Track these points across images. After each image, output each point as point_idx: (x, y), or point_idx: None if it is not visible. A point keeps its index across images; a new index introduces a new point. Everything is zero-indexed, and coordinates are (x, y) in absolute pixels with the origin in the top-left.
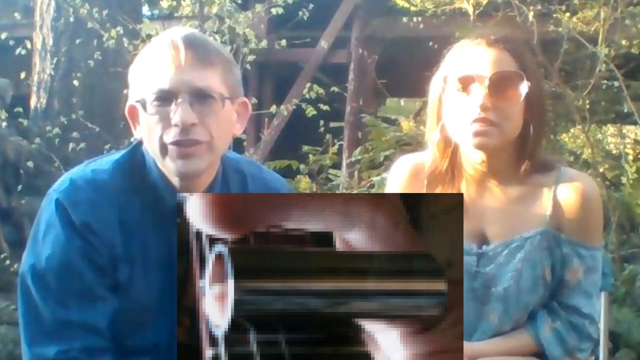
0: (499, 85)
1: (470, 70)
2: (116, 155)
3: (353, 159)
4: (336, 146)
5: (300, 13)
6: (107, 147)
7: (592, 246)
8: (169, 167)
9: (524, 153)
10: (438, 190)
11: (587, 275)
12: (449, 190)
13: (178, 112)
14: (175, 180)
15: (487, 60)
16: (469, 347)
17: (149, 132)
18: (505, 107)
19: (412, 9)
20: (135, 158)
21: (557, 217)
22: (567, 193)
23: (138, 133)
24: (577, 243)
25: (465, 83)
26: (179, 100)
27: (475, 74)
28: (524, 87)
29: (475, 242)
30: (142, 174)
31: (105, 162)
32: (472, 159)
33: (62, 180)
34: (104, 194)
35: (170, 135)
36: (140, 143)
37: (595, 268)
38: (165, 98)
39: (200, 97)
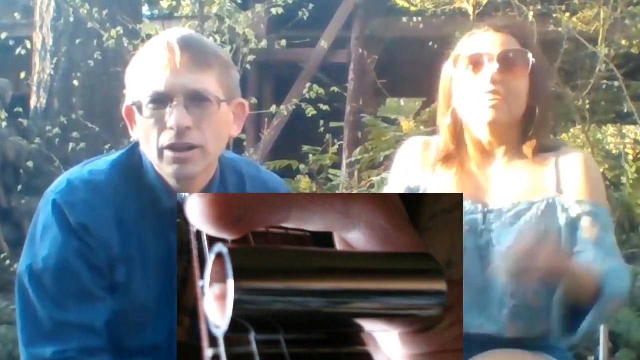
0: (507, 62)
1: (479, 49)
2: (114, 155)
3: (353, 159)
4: (336, 146)
5: (300, 13)
6: (107, 147)
7: (601, 206)
8: (165, 171)
9: (530, 133)
10: (448, 172)
11: (603, 234)
12: (458, 171)
13: (173, 116)
14: (172, 182)
15: (495, 42)
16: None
17: (145, 135)
18: (513, 84)
19: (412, 9)
20: (133, 158)
21: (562, 185)
22: (568, 162)
23: (135, 134)
24: (586, 202)
25: (475, 61)
26: (174, 103)
27: (484, 52)
28: (528, 62)
29: (480, 204)
30: (140, 174)
31: (102, 162)
32: (481, 135)
33: (59, 181)
34: (101, 194)
35: (166, 139)
36: (138, 144)
37: (608, 226)
38: (160, 101)
39: (196, 100)
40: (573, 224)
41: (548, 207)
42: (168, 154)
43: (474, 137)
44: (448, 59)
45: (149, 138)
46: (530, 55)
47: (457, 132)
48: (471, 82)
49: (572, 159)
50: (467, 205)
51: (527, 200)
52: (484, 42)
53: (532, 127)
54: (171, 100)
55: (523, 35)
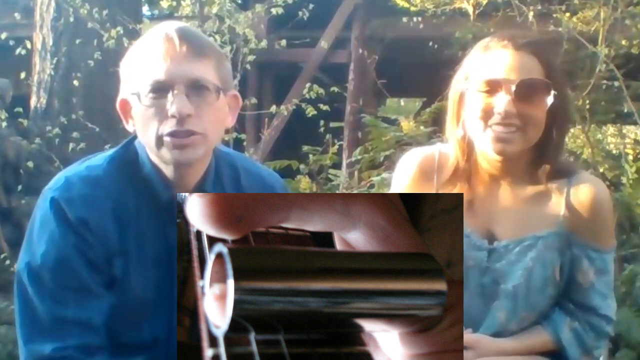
0: (526, 91)
1: (496, 74)
2: (110, 151)
3: (353, 159)
4: (336, 146)
5: (300, 13)
6: (107, 147)
7: (602, 249)
8: (164, 157)
9: (545, 157)
10: (454, 188)
11: (598, 277)
12: (464, 187)
13: (175, 103)
14: (169, 171)
15: (514, 65)
16: (491, 343)
17: (145, 125)
18: (529, 114)
19: (412, 9)
20: (129, 153)
21: (569, 219)
22: (579, 195)
23: (130, 127)
24: (587, 245)
25: (491, 86)
26: (175, 91)
27: (501, 79)
28: (550, 98)
29: (486, 239)
30: (136, 168)
31: (98, 158)
32: (490, 157)
33: (57, 179)
34: (98, 189)
35: (167, 127)
36: (133, 139)
37: (606, 270)
38: (161, 89)
39: (195, 88)
40: (572, 263)
41: (554, 241)
42: (168, 140)
43: (482, 155)
44: (451, 59)
45: (148, 127)
46: (551, 87)
47: (468, 146)
48: (482, 105)
49: (584, 194)
50: (473, 238)
51: (533, 233)
52: (502, 63)
53: (547, 152)
54: (172, 88)
55: (545, 55)
